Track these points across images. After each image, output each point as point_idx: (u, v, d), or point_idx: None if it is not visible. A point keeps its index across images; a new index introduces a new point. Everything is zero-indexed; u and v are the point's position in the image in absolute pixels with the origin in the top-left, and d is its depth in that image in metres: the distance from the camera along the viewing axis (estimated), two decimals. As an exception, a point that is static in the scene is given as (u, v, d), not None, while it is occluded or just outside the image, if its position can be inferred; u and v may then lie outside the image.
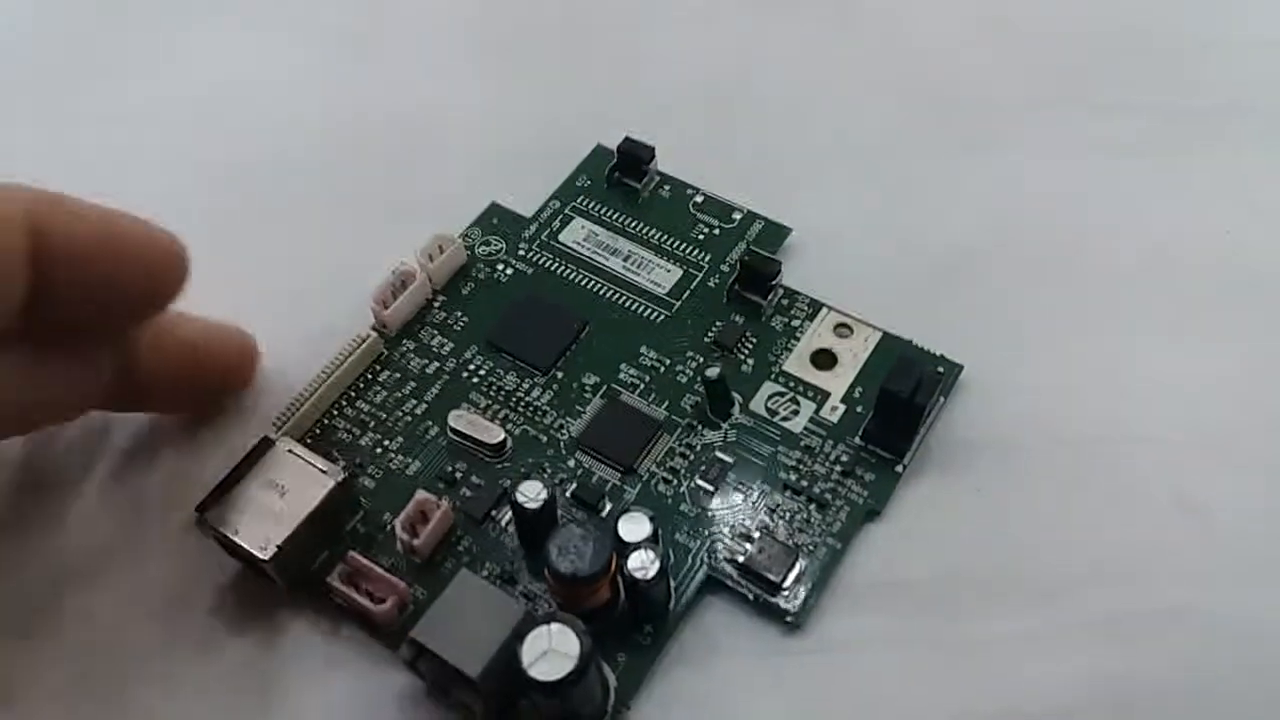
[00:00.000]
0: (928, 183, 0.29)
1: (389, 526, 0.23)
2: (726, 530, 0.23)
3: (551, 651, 0.18)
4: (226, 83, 0.32)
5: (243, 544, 0.21)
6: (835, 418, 0.24)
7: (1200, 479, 0.23)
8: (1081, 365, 0.25)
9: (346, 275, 0.26)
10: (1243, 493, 0.23)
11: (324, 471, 0.22)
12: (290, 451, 0.22)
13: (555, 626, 0.19)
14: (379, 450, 0.24)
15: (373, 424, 0.24)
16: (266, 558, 0.21)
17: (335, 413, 0.25)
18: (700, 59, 0.32)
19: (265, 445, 0.22)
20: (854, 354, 0.25)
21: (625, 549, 0.21)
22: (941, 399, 0.24)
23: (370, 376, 0.25)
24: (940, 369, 0.24)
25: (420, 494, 0.22)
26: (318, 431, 0.24)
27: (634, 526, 0.21)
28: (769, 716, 0.21)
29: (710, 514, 0.23)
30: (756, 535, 0.22)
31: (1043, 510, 0.23)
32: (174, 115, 0.31)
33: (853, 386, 0.25)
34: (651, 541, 0.21)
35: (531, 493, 0.21)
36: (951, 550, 0.23)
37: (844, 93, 0.31)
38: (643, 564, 0.20)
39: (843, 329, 0.26)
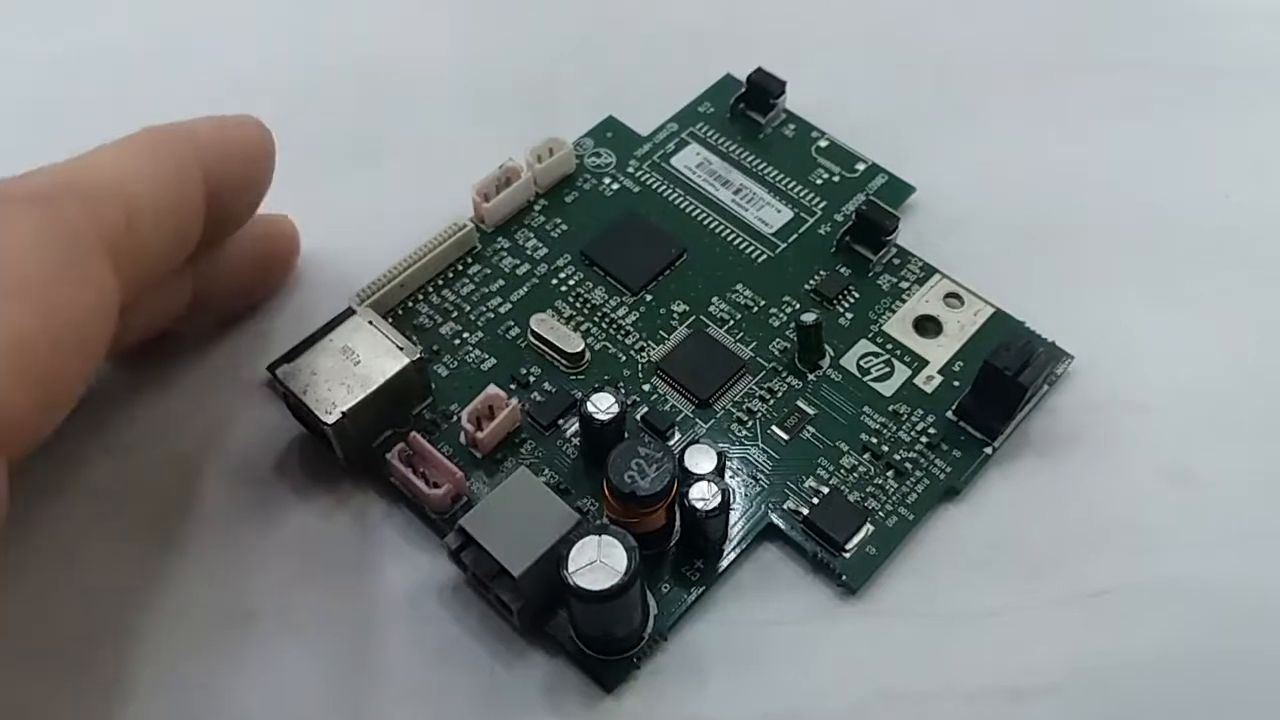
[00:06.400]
0: (1066, 162, 0.27)
1: (455, 417, 0.22)
2: (795, 481, 0.22)
3: (598, 563, 0.18)
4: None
5: (308, 405, 0.21)
6: (930, 387, 0.23)
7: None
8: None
9: (454, 166, 0.26)
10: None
11: (400, 348, 0.21)
12: (370, 323, 0.22)
13: (605, 538, 0.18)
14: (457, 341, 0.24)
15: (455, 314, 0.24)
16: (330, 422, 0.20)
17: (420, 297, 0.24)
18: (858, 5, 0.31)
19: (346, 315, 0.22)
20: (961, 325, 0.24)
21: (688, 478, 0.20)
22: (1046, 386, 0.23)
23: (460, 268, 0.25)
24: (1052, 355, 0.23)
25: (491, 389, 0.22)
26: (399, 312, 0.24)
27: (700, 458, 0.21)
28: (800, 672, 0.20)
29: (781, 462, 0.22)
30: (825, 491, 0.21)
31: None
32: None
33: (954, 359, 0.23)
34: (717, 475, 0.20)
35: (603, 405, 0.21)
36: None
37: (993, 54, 0.30)
38: (704, 495, 0.20)
39: (953, 299, 0.24)
